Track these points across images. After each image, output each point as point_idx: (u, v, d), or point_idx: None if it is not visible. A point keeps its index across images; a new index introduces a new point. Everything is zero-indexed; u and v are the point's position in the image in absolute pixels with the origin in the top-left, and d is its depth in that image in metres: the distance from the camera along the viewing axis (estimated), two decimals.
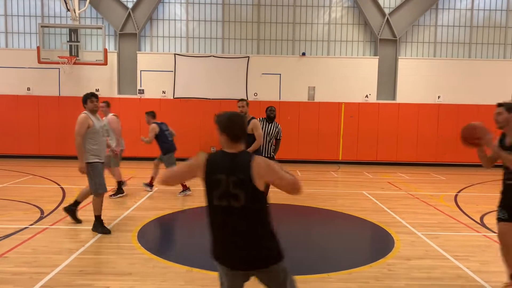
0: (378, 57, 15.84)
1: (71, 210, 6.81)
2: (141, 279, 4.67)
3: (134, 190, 9.54)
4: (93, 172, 6.20)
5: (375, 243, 6.67)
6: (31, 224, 6.69)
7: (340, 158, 15.76)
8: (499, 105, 4.25)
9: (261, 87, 15.74)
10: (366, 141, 15.73)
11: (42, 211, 7.52)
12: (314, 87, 15.81)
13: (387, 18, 15.69)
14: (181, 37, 16.12)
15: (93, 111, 6.29)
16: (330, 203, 8.76)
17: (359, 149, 15.78)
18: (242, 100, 7.00)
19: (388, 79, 15.93)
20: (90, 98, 6.26)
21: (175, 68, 15.52)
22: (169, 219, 7.42)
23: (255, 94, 15.59)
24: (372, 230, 7.01)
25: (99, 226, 6.32)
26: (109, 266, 5.05)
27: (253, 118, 6.83)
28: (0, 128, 15.07)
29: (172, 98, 15.55)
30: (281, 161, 3.74)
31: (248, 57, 15.68)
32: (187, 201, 8.66)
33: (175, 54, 15.57)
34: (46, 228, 6.53)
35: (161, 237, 6.78)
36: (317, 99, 15.82)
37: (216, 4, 16.07)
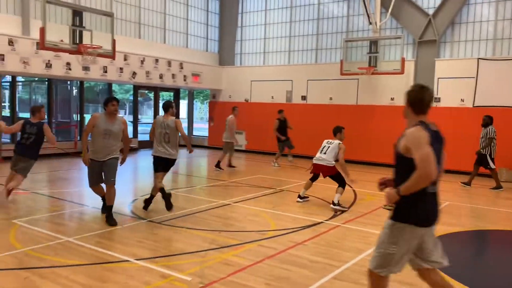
0: None
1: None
2: None
3: None
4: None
5: None
6: (326, 220, 7.44)
7: None
8: None
9: None
10: None
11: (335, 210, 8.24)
12: None
13: None
14: (487, 39, 14.63)
15: (111, 114, 6.76)
16: None
17: None
18: None
19: None
20: (111, 101, 6.78)
21: (477, 74, 14.17)
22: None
23: None
24: None
25: None
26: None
27: None
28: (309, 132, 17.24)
29: (471, 106, 14.27)
30: None
31: None
32: None
33: (478, 58, 14.23)
34: (338, 226, 7.13)
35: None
36: None
37: None
